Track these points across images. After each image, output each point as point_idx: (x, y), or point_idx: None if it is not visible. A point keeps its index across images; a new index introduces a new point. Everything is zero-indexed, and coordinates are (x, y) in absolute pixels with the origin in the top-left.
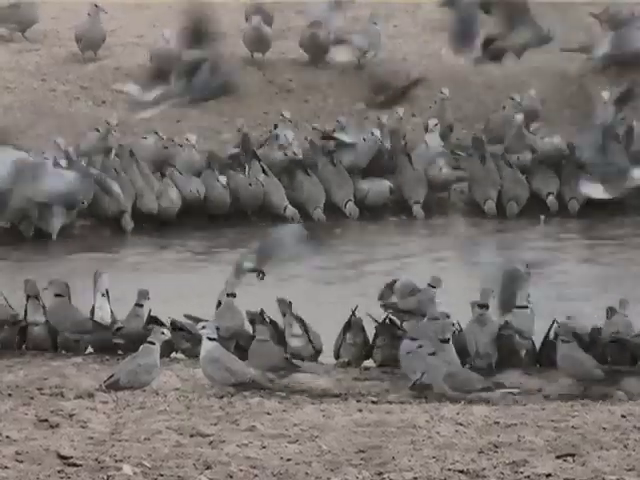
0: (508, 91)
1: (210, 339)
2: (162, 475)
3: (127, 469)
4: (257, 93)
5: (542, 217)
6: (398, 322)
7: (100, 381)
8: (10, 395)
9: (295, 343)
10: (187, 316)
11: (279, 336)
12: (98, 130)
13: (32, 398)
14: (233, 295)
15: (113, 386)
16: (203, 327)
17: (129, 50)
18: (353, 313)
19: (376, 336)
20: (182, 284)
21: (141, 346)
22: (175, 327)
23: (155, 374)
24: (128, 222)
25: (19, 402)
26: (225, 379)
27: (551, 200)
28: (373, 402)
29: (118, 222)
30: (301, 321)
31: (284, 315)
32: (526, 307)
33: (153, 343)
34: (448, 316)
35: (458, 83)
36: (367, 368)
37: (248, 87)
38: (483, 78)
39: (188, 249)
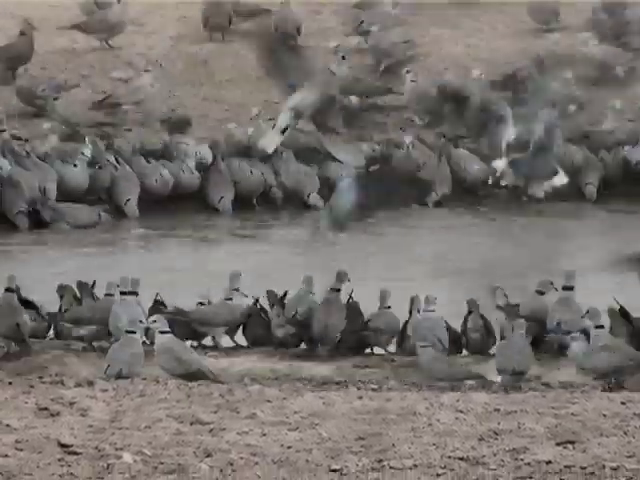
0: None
1: (162, 332)
2: (162, 463)
3: (127, 457)
4: (256, 81)
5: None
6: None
7: (100, 369)
8: (10, 383)
9: (281, 333)
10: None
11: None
12: None
13: (32, 386)
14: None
15: (116, 377)
16: (154, 321)
17: (129, 39)
18: (350, 297)
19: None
20: None
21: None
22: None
23: (142, 363)
24: None
25: (19, 390)
26: (174, 369)
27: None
28: (373, 389)
29: None
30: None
31: (272, 306)
32: None
33: (134, 332)
34: None
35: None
36: (367, 355)
37: (249, 77)
38: (479, 63)
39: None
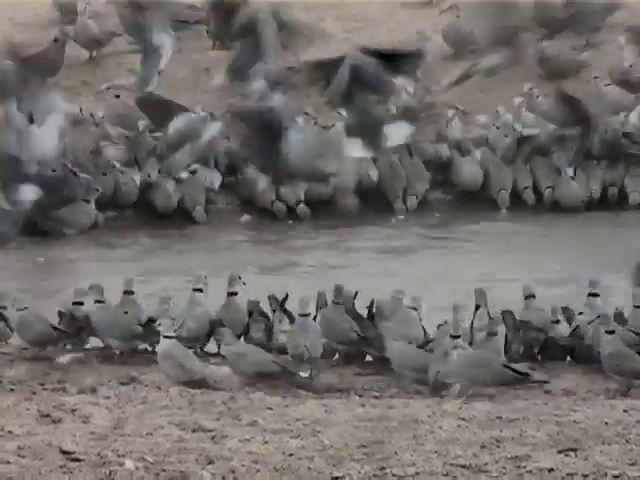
0: None
1: (166, 337)
2: (164, 470)
3: (129, 464)
4: None
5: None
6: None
7: (102, 376)
8: (12, 390)
9: (282, 339)
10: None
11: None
12: None
13: (34, 393)
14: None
15: None
16: (159, 324)
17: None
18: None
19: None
20: None
21: None
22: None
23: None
24: None
25: (21, 397)
26: (178, 376)
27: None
28: (375, 397)
29: None
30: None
31: (274, 311)
32: None
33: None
34: None
35: None
36: (369, 363)
37: None
38: None
39: None
